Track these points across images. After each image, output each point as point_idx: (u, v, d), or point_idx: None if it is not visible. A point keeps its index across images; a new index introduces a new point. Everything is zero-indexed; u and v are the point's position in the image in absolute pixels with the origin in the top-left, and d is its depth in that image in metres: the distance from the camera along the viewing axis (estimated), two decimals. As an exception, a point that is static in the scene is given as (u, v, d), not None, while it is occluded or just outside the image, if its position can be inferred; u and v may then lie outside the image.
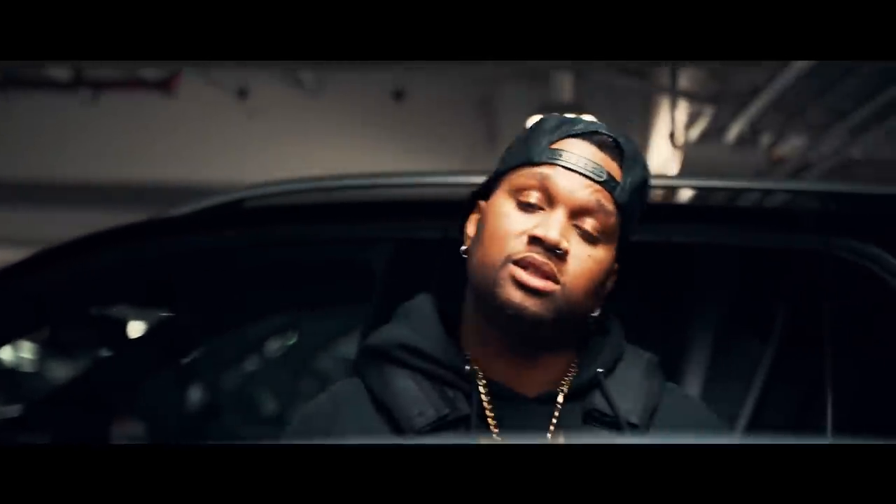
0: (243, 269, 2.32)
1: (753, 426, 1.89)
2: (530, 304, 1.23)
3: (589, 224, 1.26)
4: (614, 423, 1.27)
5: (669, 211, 2.05)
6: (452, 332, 1.34)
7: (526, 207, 1.27)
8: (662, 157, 5.64)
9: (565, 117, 1.32)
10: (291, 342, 3.88)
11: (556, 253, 1.23)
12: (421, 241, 1.91)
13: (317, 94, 6.42)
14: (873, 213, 1.92)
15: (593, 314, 1.30)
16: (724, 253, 2.01)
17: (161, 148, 6.61)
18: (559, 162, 1.27)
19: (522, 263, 1.24)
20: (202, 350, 3.07)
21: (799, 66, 3.92)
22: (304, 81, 6.37)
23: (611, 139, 1.29)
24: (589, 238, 1.26)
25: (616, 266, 1.32)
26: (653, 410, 1.30)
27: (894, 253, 1.71)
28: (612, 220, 1.27)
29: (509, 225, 1.26)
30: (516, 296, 1.23)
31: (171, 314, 2.54)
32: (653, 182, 2.25)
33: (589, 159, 1.27)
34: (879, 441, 0.88)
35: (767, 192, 2.11)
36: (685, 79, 5.21)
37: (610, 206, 1.27)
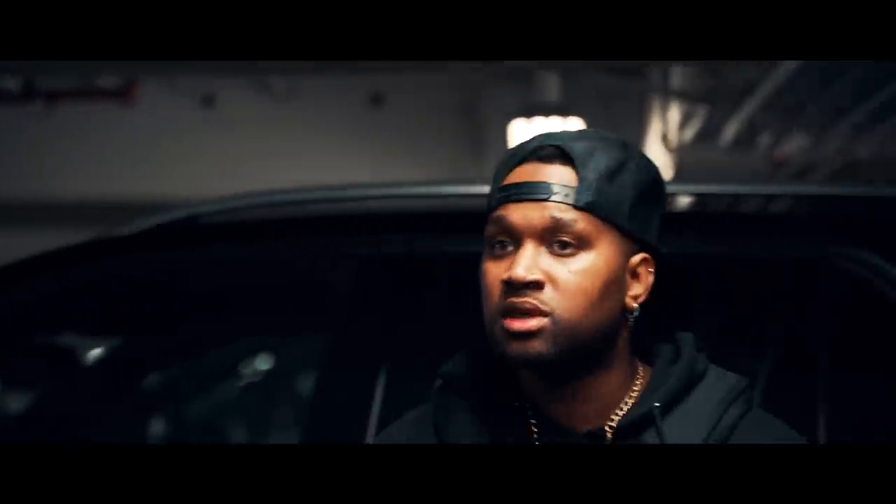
0: (198, 291, 2.18)
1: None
2: (527, 347, 1.25)
3: (559, 241, 1.27)
4: None
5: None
6: None
7: (499, 256, 1.29)
8: (658, 162, 5.50)
9: (517, 147, 1.34)
10: (265, 368, 3.71)
11: (531, 286, 1.25)
12: (387, 257, 1.78)
13: (288, 101, 6.25)
14: (873, 218, 1.80)
15: (632, 314, 1.28)
16: (716, 263, 1.88)
17: (121, 162, 6.43)
18: (507, 198, 1.29)
19: (507, 313, 1.26)
20: (160, 378, 2.92)
21: (793, 62, 3.76)
22: (274, 88, 6.19)
23: (553, 147, 1.29)
24: (564, 255, 1.27)
25: (635, 260, 1.29)
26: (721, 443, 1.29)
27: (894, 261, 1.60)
28: (580, 225, 1.27)
29: (489, 280, 1.29)
30: (513, 347, 1.26)
31: (122, 341, 2.40)
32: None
33: (534, 181, 1.28)
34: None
35: (758, 196, 1.99)
36: (676, 76, 5.05)
37: (570, 214, 1.27)
